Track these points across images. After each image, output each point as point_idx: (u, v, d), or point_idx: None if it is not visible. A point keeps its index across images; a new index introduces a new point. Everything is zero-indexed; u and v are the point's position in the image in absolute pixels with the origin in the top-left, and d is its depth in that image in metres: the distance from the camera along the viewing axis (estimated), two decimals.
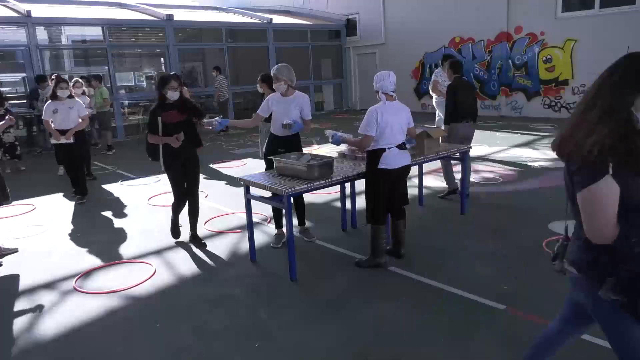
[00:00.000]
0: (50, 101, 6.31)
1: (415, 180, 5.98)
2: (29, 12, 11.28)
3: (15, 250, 4.89)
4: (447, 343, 2.97)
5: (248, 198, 4.25)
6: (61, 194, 7.16)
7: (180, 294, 3.84)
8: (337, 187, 5.10)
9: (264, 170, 4.65)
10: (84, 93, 8.39)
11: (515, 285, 3.67)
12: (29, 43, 11.40)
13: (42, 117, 6.40)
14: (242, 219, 5.38)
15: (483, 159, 8.27)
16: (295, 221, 5.03)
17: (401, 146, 3.93)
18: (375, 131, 3.79)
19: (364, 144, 3.88)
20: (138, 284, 4.01)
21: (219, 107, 13.28)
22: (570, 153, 1.60)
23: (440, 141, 5.12)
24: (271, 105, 4.59)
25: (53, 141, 6.42)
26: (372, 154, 3.90)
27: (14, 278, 4.31)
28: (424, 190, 5.97)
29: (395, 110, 3.88)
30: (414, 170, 6.15)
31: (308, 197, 5.04)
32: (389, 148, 3.85)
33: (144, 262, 4.47)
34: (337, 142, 4.12)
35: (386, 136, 3.82)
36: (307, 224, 5.01)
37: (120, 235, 5.27)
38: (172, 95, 4.51)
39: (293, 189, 3.75)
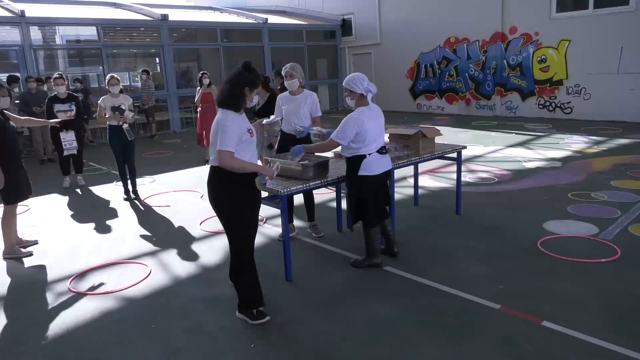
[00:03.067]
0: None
1: (411, 181, 6.00)
2: (22, 11, 11.23)
3: (35, 242, 5.04)
4: (442, 342, 2.98)
5: None
6: (55, 195, 7.13)
7: (175, 294, 3.83)
8: (333, 187, 5.11)
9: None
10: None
11: (510, 284, 3.68)
12: (23, 43, 11.34)
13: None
14: None
15: (478, 158, 8.30)
16: (295, 220, 5.10)
17: (381, 151, 3.91)
18: (348, 142, 3.78)
19: (331, 148, 3.96)
20: (133, 285, 4.00)
21: (146, 113, 12.61)
22: None
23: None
24: (281, 105, 4.65)
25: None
26: (353, 160, 3.87)
27: (9, 279, 4.29)
28: (420, 191, 5.98)
29: (373, 115, 3.85)
30: (410, 170, 6.16)
31: (301, 197, 5.03)
32: (369, 154, 3.82)
33: (139, 263, 4.46)
34: (297, 153, 4.03)
35: (367, 142, 3.79)
36: (300, 222, 5.01)
37: (115, 236, 5.25)
38: None
39: (289, 190, 3.74)
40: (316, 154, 4.20)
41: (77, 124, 7.42)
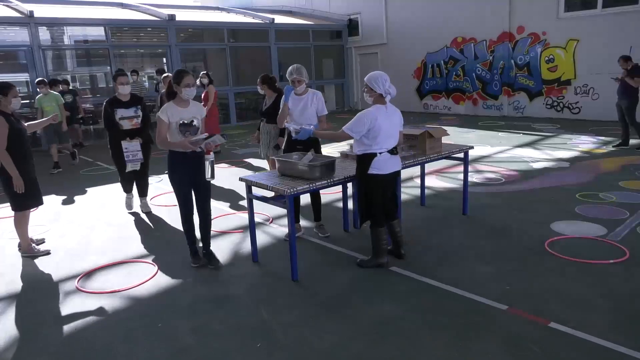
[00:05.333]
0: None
1: (417, 181, 5.98)
2: (31, 12, 11.32)
3: (42, 241, 5.09)
4: (448, 343, 2.97)
5: (250, 198, 4.25)
6: (63, 194, 7.18)
7: (181, 294, 3.85)
8: (339, 187, 5.10)
9: (266, 170, 4.66)
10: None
11: (517, 285, 3.66)
12: (32, 43, 11.43)
13: None
14: (244, 219, 5.39)
15: (485, 159, 8.26)
16: (301, 220, 5.10)
17: (392, 151, 3.90)
18: (360, 136, 3.79)
19: (341, 139, 4.09)
20: (140, 284, 4.01)
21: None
22: None
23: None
24: (288, 103, 4.67)
25: None
26: (363, 158, 3.87)
27: (17, 278, 4.33)
28: (426, 191, 5.97)
29: (389, 114, 3.84)
30: (416, 170, 6.16)
31: (308, 197, 5.03)
32: (380, 153, 3.82)
33: (146, 262, 4.48)
34: (304, 136, 4.10)
35: (378, 141, 3.79)
36: (306, 222, 5.00)
37: (123, 235, 5.27)
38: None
39: (295, 189, 3.75)
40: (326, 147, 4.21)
41: (145, 133, 5.75)
